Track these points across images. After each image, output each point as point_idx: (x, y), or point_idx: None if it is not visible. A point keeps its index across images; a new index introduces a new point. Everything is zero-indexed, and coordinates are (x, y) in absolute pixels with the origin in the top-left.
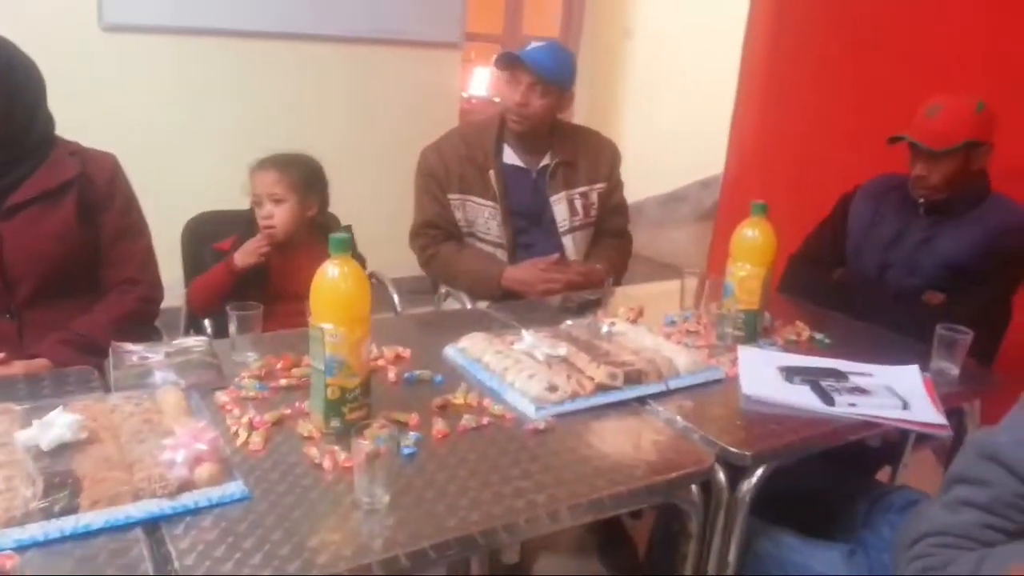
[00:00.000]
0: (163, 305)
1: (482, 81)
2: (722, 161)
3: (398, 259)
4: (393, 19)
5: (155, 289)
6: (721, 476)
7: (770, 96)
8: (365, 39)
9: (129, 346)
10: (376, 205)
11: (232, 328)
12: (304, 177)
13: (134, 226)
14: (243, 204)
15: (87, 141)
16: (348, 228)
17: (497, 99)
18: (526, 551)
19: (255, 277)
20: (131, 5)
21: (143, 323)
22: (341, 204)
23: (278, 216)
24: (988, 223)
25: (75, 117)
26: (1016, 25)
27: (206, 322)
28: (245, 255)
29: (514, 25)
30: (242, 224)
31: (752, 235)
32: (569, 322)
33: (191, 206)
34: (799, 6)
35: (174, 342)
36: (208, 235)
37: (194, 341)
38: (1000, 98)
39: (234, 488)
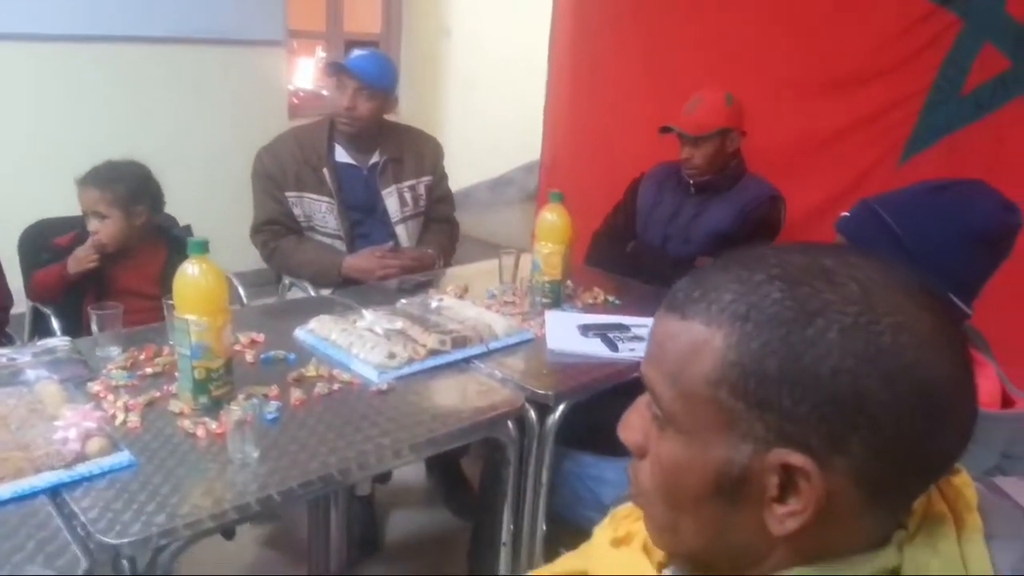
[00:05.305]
0: None
1: (307, 73)
2: (539, 148)
3: (239, 254)
4: (216, 19)
5: (6, 298)
6: (532, 414)
7: (574, 90)
8: (189, 39)
9: None
10: (214, 202)
11: (94, 326)
12: (127, 191)
13: None
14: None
15: None
16: (188, 228)
17: (325, 92)
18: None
19: (92, 278)
20: None
21: None
22: (179, 204)
23: (104, 231)
24: (744, 198)
25: None
26: (774, 32)
27: (54, 323)
28: (76, 262)
29: (335, 23)
30: (80, 224)
31: (552, 219)
32: (403, 301)
33: (24, 215)
34: (596, 9)
35: (39, 343)
36: (47, 242)
37: (57, 341)
38: (759, 92)
39: (122, 457)
